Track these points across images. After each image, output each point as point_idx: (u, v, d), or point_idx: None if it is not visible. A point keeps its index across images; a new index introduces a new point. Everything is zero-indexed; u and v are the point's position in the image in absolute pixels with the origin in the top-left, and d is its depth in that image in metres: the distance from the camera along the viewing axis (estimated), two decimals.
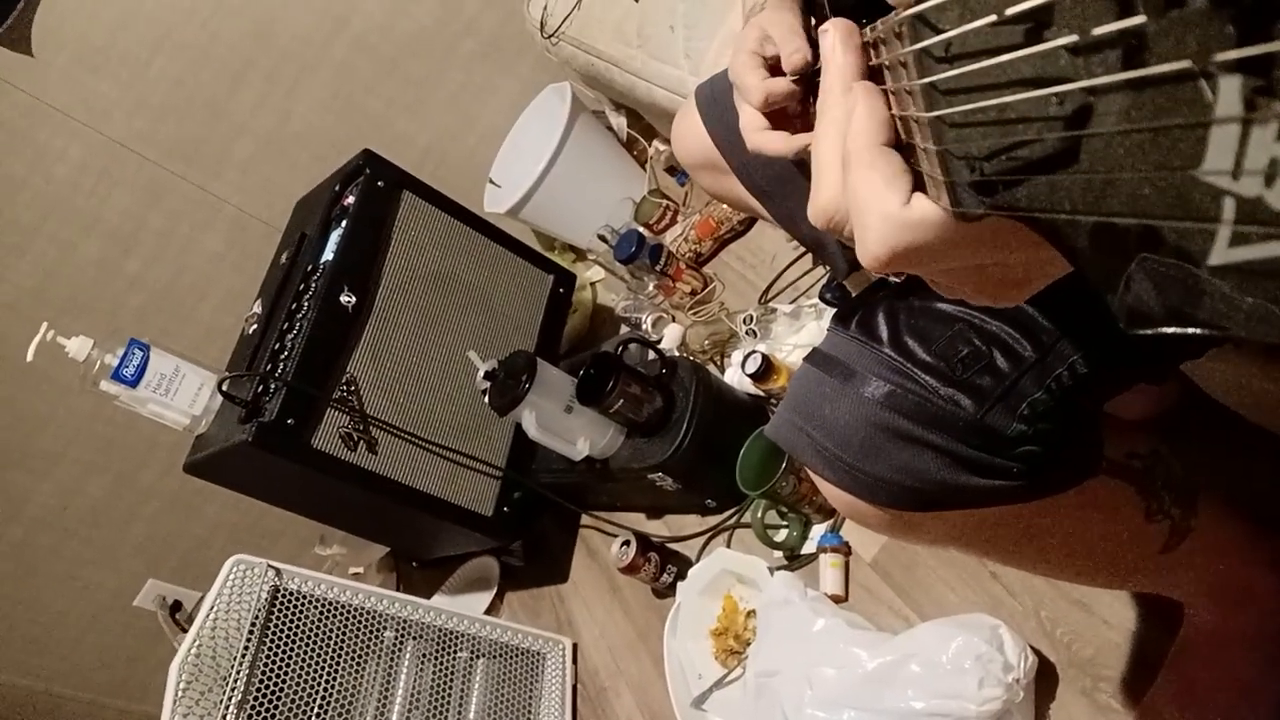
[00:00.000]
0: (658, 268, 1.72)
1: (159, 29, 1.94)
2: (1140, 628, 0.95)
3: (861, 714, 0.98)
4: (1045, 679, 0.99)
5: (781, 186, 0.93)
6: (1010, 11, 0.23)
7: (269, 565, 1.38)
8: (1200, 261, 0.21)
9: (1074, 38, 0.22)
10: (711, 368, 1.66)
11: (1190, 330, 0.22)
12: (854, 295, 1.44)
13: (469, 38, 2.22)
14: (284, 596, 1.38)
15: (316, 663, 1.38)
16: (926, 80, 0.29)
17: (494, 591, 1.88)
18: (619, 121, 2.17)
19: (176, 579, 2.48)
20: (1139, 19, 0.20)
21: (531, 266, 1.81)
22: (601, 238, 1.89)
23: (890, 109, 0.35)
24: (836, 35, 0.36)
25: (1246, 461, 0.87)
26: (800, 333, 1.51)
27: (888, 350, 0.57)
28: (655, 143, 2.11)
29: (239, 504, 2.28)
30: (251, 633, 1.31)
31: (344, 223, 1.53)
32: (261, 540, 2.50)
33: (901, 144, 0.34)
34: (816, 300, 1.51)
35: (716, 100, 0.97)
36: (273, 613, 1.35)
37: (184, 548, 2.45)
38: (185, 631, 2.50)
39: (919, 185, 0.33)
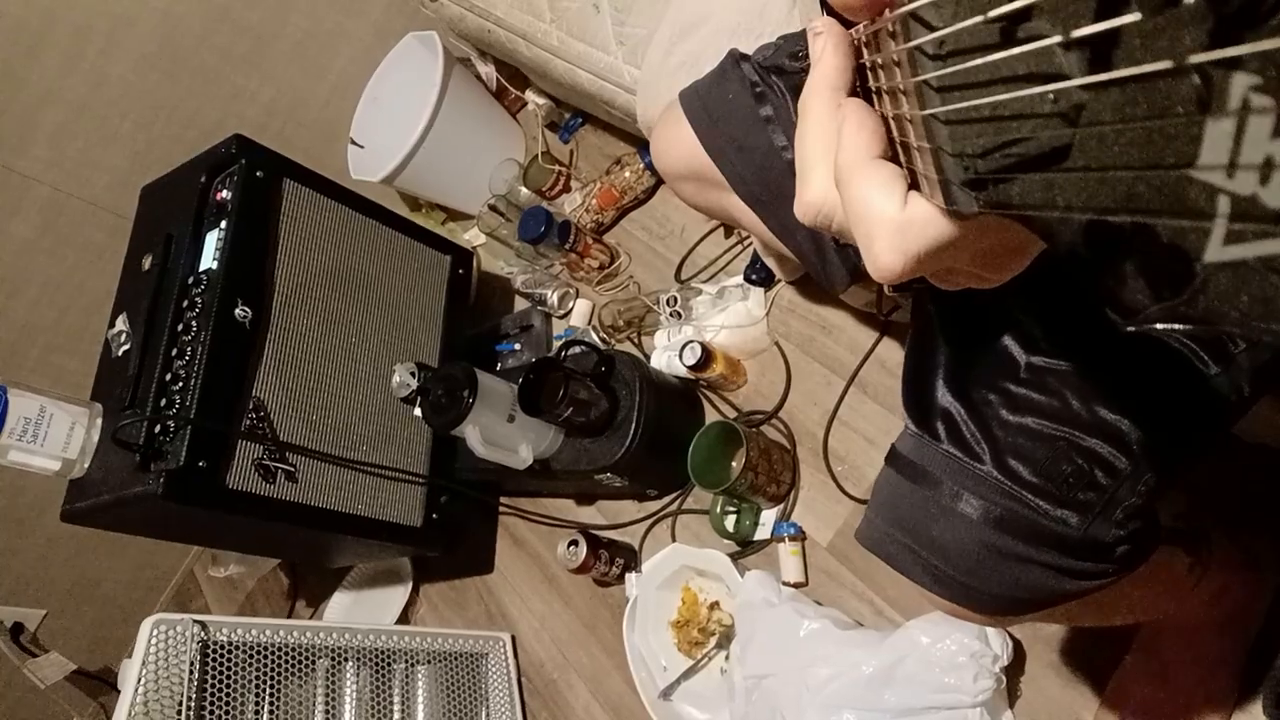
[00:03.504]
0: (566, 246, 1.64)
1: None
2: None
3: (864, 714, 1.04)
4: (1016, 657, 1.08)
5: (777, 194, 0.91)
6: (1003, 9, 0.23)
7: (192, 620, 1.25)
8: (1195, 258, 0.21)
9: (1066, 35, 0.22)
10: (630, 345, 1.64)
11: (1185, 327, 0.23)
12: (777, 279, 1.45)
13: None
14: (214, 650, 1.26)
15: (259, 709, 1.29)
16: (920, 78, 0.29)
17: (408, 587, 1.81)
18: (488, 70, 2.02)
19: (14, 600, 2.21)
20: (1133, 16, 0.20)
21: (426, 248, 1.68)
22: (494, 209, 1.77)
23: (882, 111, 0.35)
24: (829, 38, 0.36)
25: (1249, 487, 0.97)
26: (726, 313, 1.50)
27: (992, 470, 0.58)
28: (530, 94, 1.99)
29: None
30: (189, 695, 1.20)
31: (222, 223, 1.35)
32: (111, 547, 2.26)
33: (895, 143, 0.34)
34: (740, 279, 1.51)
35: (709, 109, 0.92)
36: (206, 669, 1.24)
37: (18, 565, 2.18)
38: (34, 655, 2.26)
39: (914, 185, 0.33)
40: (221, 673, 1.26)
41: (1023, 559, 0.56)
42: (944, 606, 0.62)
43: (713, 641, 1.32)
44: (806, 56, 0.38)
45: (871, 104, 0.35)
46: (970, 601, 0.59)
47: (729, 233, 1.61)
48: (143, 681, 1.18)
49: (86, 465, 1.31)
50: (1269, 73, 0.18)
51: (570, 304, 1.76)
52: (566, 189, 1.88)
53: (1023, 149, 0.25)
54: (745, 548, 1.36)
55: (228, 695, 1.25)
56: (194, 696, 1.20)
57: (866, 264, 0.34)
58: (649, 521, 1.50)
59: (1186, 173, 0.20)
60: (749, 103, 0.90)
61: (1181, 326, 0.23)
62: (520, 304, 1.92)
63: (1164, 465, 0.58)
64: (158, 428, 1.23)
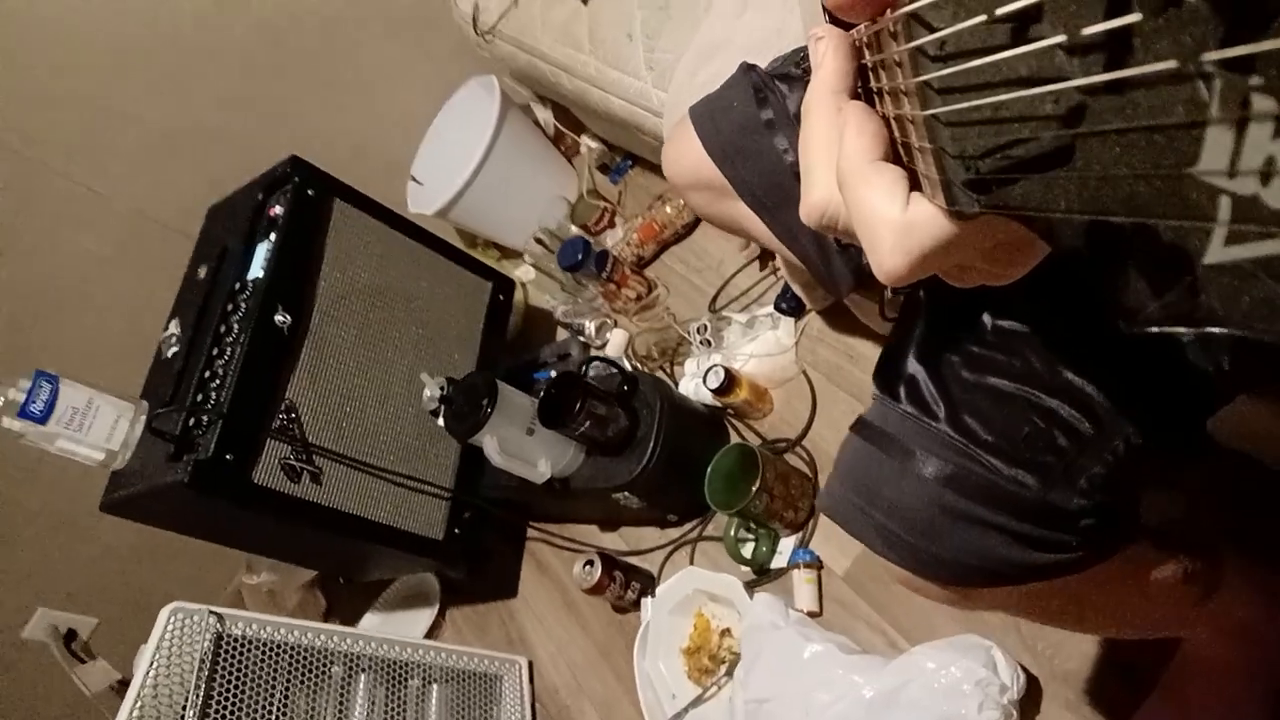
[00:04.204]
0: (603, 275, 1.67)
1: (38, 20, 1.74)
2: (1122, 641, 0.99)
3: None
4: (1029, 692, 1.02)
5: (782, 199, 0.92)
6: (1004, 10, 0.23)
7: (210, 611, 1.28)
8: (1196, 260, 0.21)
9: (1068, 36, 0.22)
10: (661, 374, 1.64)
11: (1186, 329, 0.22)
12: (809, 307, 1.45)
13: (381, 22, 2.09)
14: (228, 642, 1.29)
15: (267, 707, 1.30)
16: (921, 79, 0.29)
17: (435, 609, 1.82)
18: (546, 115, 2.11)
19: (69, 606, 2.29)
20: (1134, 16, 0.19)
21: (469, 274, 1.73)
22: (539, 241, 1.83)
23: (883, 112, 0.35)
24: (829, 42, 0.36)
25: (1256, 503, 0.92)
26: (755, 342, 1.50)
27: (947, 429, 0.56)
28: (585, 139, 2.06)
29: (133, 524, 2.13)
30: (198, 685, 1.22)
31: (272, 235, 1.42)
32: (164, 560, 2.34)
33: (897, 144, 0.34)
34: (771, 309, 1.51)
35: (714, 117, 0.95)
36: (218, 661, 1.26)
37: (76, 573, 2.27)
38: (83, 661, 2.33)
39: (916, 186, 0.33)
40: (233, 667, 1.27)
41: (976, 520, 0.54)
42: (900, 576, 0.60)
43: (723, 670, 1.28)
44: (808, 69, 0.39)
45: (874, 105, 0.36)
46: (923, 568, 0.57)
47: (763, 265, 1.61)
48: (154, 667, 1.21)
49: (128, 457, 1.37)
50: (1270, 73, 0.17)
51: (607, 334, 1.78)
52: (611, 225, 1.92)
53: (1024, 150, 0.25)
54: (762, 575, 1.33)
55: (237, 690, 1.26)
56: (202, 687, 1.22)
57: (872, 266, 0.34)
58: (669, 548, 1.48)
59: (1188, 174, 0.20)
60: (752, 109, 0.92)
61: (1182, 328, 0.23)
62: (562, 335, 1.95)
63: (1136, 438, 0.56)
64: (192, 420, 1.28)
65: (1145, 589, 0.66)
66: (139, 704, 1.17)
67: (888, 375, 0.62)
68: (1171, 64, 0.19)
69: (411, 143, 2.13)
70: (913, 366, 0.60)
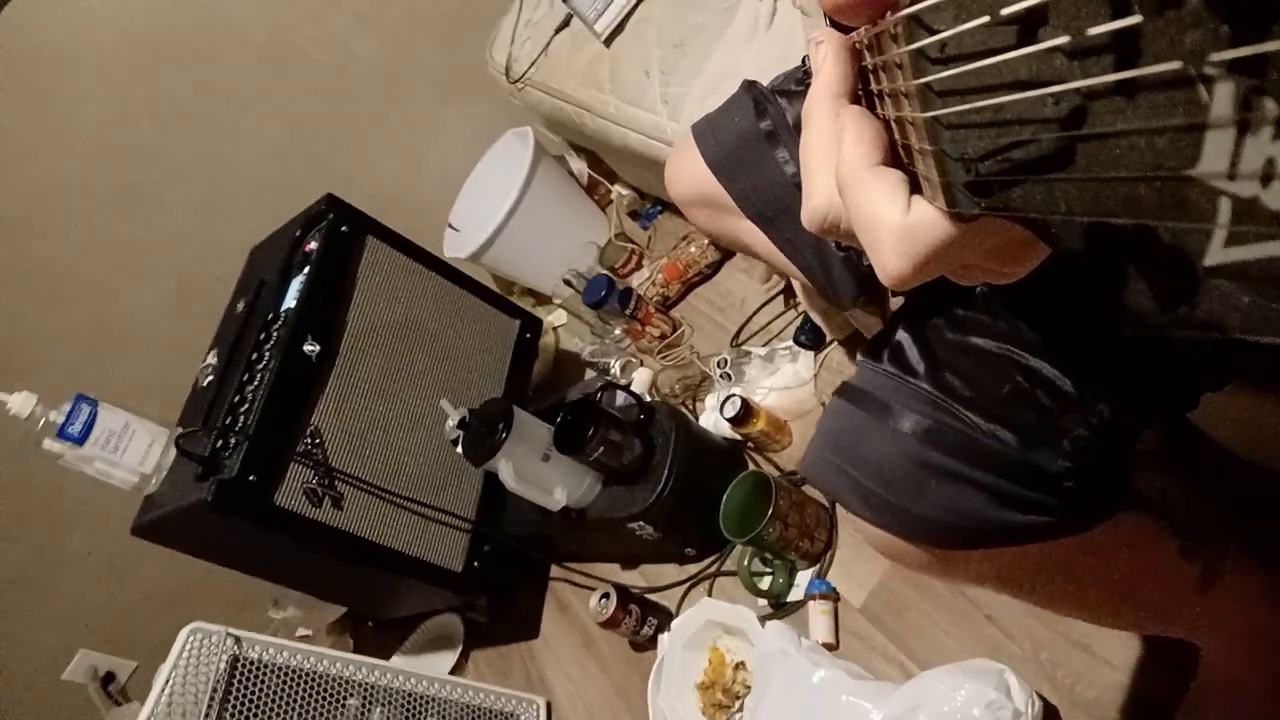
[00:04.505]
0: (627, 312, 1.70)
1: (89, 74, 1.87)
2: (1142, 668, 0.94)
3: None
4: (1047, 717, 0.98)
5: (782, 210, 0.93)
6: (1005, 11, 0.23)
7: (228, 633, 1.30)
8: (1197, 261, 0.21)
9: (1068, 38, 0.22)
10: (685, 411, 1.64)
11: (1188, 332, 0.22)
12: (829, 339, 1.45)
13: (425, 79, 2.20)
14: (244, 666, 1.30)
15: None
16: (921, 81, 0.29)
17: (458, 651, 1.81)
18: (580, 165, 2.17)
19: (109, 648, 2.33)
20: (1134, 19, 0.19)
21: (497, 312, 1.77)
22: (567, 282, 1.86)
23: (884, 114, 0.35)
24: (829, 46, 0.37)
25: (1259, 507, 0.88)
26: (775, 375, 1.50)
27: (926, 385, 0.56)
28: (617, 187, 2.11)
29: (177, 566, 2.16)
30: (210, 705, 1.23)
31: (306, 269, 1.48)
32: (203, 604, 2.36)
33: (897, 146, 0.34)
34: (790, 343, 1.51)
35: (714, 131, 0.97)
36: (232, 683, 1.27)
37: (118, 615, 2.30)
38: (119, 704, 2.35)
39: (916, 188, 0.33)
40: (247, 690, 1.28)
41: (954, 476, 0.53)
42: (877, 540, 0.58)
43: (737, 704, 1.25)
44: (808, 72, 0.40)
45: (875, 108, 0.36)
46: (900, 526, 0.56)
47: (786, 301, 1.62)
48: (170, 685, 1.22)
49: (160, 481, 1.41)
50: (1271, 75, 0.18)
51: (632, 373, 1.79)
52: (638, 267, 1.95)
53: (1024, 152, 0.25)
54: (779, 609, 1.30)
55: (250, 713, 1.27)
56: (215, 707, 1.23)
57: (876, 270, 0.35)
58: (687, 584, 1.46)
59: (1188, 176, 0.20)
60: (751, 121, 0.94)
61: (1182, 329, 0.23)
62: (590, 376, 1.97)
63: (1123, 404, 0.55)
64: (220, 443, 1.32)
65: (1140, 562, 0.63)
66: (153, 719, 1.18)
67: (876, 345, 0.62)
68: (1172, 66, 0.19)
69: (451, 192, 2.21)
70: (900, 335, 0.61)
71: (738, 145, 0.94)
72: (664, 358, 1.76)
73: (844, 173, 0.34)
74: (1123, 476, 0.60)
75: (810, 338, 1.48)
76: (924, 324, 0.59)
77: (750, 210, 0.95)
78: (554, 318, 2.18)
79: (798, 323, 1.53)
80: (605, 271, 1.93)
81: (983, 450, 0.53)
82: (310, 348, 1.42)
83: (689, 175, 0.99)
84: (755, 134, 0.93)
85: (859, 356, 0.63)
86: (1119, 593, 0.65)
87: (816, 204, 0.37)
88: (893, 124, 0.34)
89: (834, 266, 0.97)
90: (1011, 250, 0.34)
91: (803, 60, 0.93)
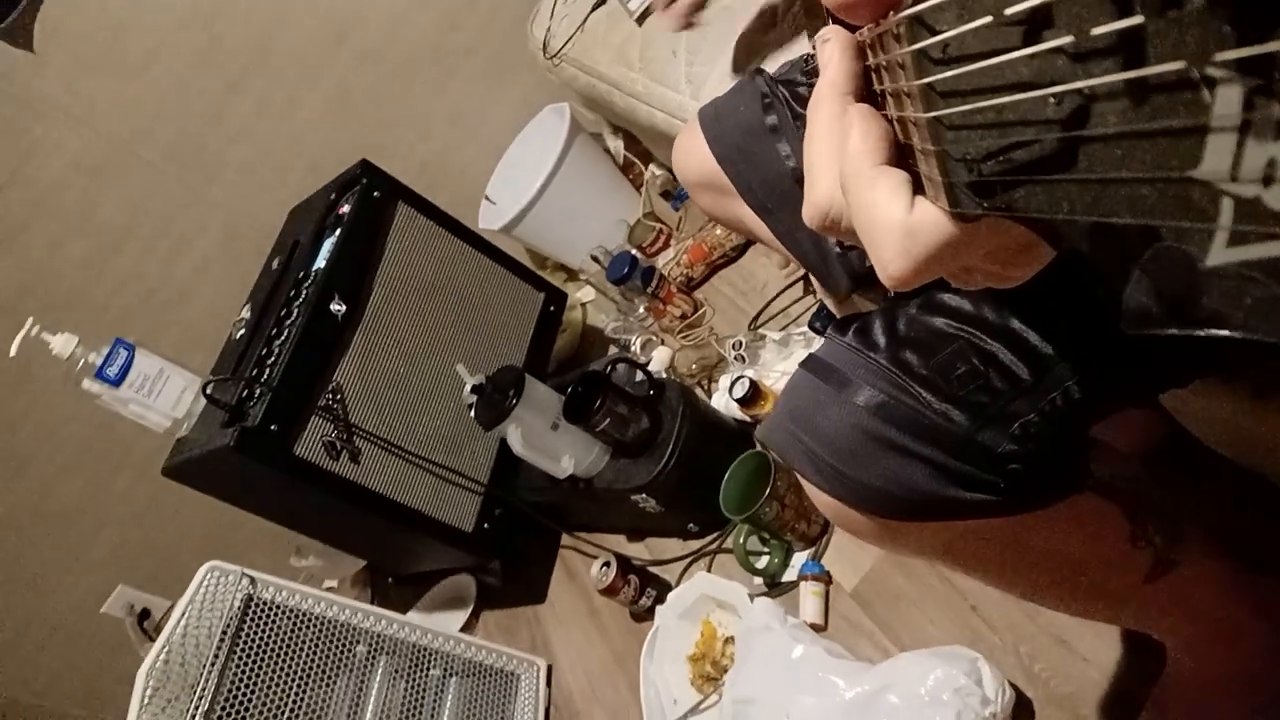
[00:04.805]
0: (649, 290, 1.72)
1: (160, 33, 1.95)
2: (1120, 666, 0.95)
3: None
4: (1023, 715, 0.98)
5: (783, 202, 0.94)
6: (1008, 12, 0.23)
7: (243, 573, 1.36)
8: (1199, 261, 0.21)
9: (1071, 39, 0.22)
10: (699, 391, 1.66)
11: (1190, 331, 0.22)
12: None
13: (470, 54, 2.23)
14: (257, 606, 1.36)
15: (287, 674, 1.35)
16: (924, 81, 0.29)
17: (469, 610, 1.86)
18: (616, 144, 2.19)
19: (146, 586, 2.44)
20: (1136, 19, 0.20)
21: (523, 284, 1.81)
22: (594, 258, 1.89)
23: (888, 111, 0.35)
24: (837, 43, 0.37)
25: (1234, 499, 0.88)
26: (789, 360, 1.52)
27: (883, 360, 0.57)
28: (651, 166, 2.13)
29: (213, 512, 2.25)
30: (222, 641, 1.29)
31: (338, 231, 1.53)
32: (235, 550, 2.45)
33: (900, 146, 0.34)
34: (805, 328, 1.52)
35: (720, 119, 0.98)
36: (245, 622, 1.33)
37: (155, 555, 2.41)
38: (152, 640, 2.45)
39: (919, 188, 0.33)
40: (259, 629, 1.34)
41: (901, 450, 0.54)
42: (827, 505, 0.60)
43: (725, 677, 1.27)
44: (814, 70, 0.40)
45: (878, 107, 0.36)
46: (846, 494, 0.57)
47: (806, 287, 1.63)
48: (185, 618, 1.28)
49: (191, 426, 1.48)
50: (1272, 76, 0.18)
51: (653, 351, 1.82)
52: (666, 246, 1.97)
53: (1026, 152, 0.25)
54: (773, 588, 1.32)
55: (260, 651, 1.32)
56: (226, 643, 1.29)
57: (876, 270, 0.35)
58: (688, 559, 1.49)
59: (1190, 176, 0.20)
60: (757, 114, 0.95)
61: (1184, 329, 0.23)
62: (612, 352, 2.00)
63: (1076, 393, 0.56)
64: (245, 392, 1.38)
65: (1087, 545, 0.64)
66: (166, 650, 1.25)
67: (846, 320, 0.64)
68: (1175, 67, 0.19)
69: (489, 164, 2.25)
70: (871, 312, 0.62)
71: (741, 135, 0.95)
72: (683, 337, 1.78)
73: (848, 171, 0.34)
74: (1076, 461, 0.61)
75: (825, 323, 1.48)
76: (895, 303, 0.61)
77: (751, 198, 0.97)
78: (583, 293, 2.21)
79: (814, 309, 1.53)
80: (632, 250, 1.95)
81: (931, 427, 0.54)
82: (337, 307, 1.47)
83: (694, 158, 1.01)
84: (760, 127, 0.94)
85: (828, 330, 0.64)
86: (1065, 574, 0.66)
87: (819, 201, 0.37)
88: (895, 124, 0.34)
89: (830, 260, 0.99)
90: (1013, 253, 0.34)
91: (805, 60, 0.94)
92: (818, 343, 1.50)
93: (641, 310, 1.81)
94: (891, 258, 0.33)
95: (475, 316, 1.70)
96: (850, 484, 0.56)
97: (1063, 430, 0.56)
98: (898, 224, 0.32)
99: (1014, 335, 0.56)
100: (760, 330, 1.61)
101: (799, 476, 0.61)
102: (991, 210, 0.28)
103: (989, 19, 0.24)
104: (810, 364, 0.63)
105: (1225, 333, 0.21)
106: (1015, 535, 0.61)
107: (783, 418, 0.62)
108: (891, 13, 0.31)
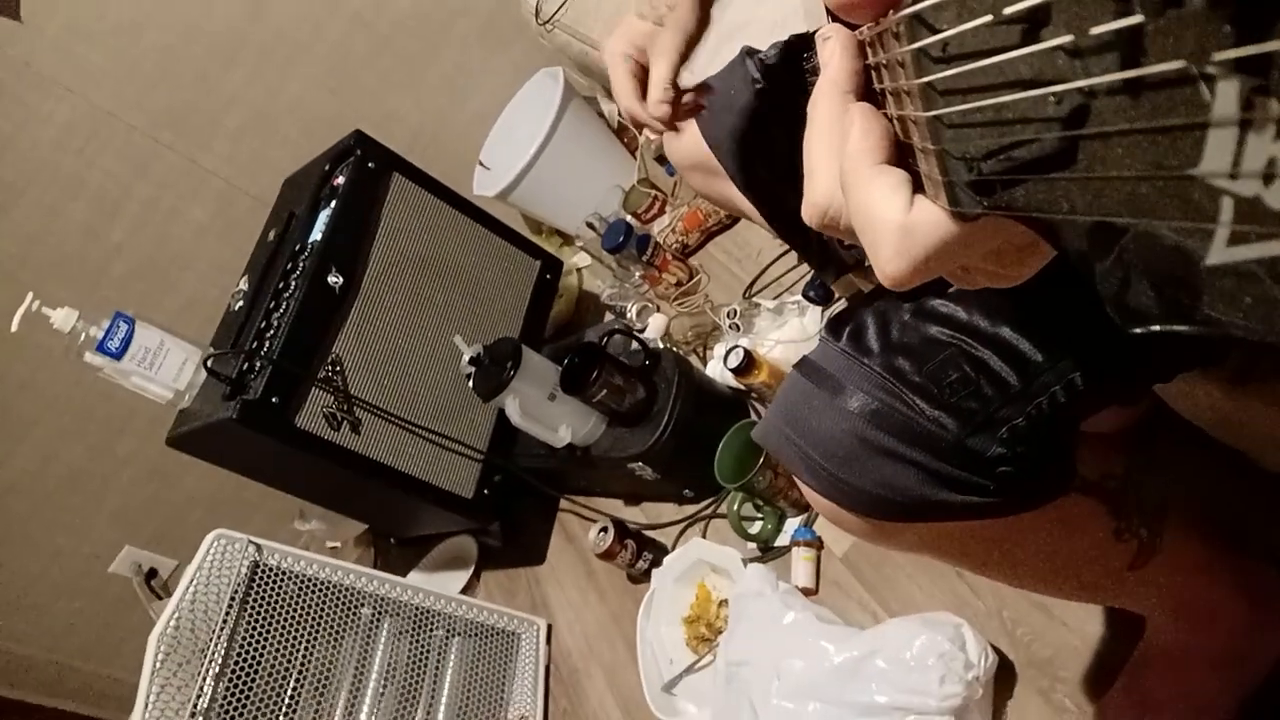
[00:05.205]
0: (644, 258, 1.73)
1: (151, 2, 1.93)
2: (1099, 632, 0.98)
3: (826, 706, 1.02)
4: (1004, 677, 1.02)
5: (772, 186, 0.95)
6: (1007, 11, 0.23)
7: (249, 541, 1.39)
8: (1199, 260, 0.21)
9: (1071, 37, 0.22)
10: (694, 359, 1.69)
11: (1188, 329, 0.23)
12: (837, 295, 1.47)
13: (463, 19, 2.21)
14: (263, 571, 1.39)
15: (294, 637, 1.40)
16: (924, 80, 0.29)
17: (470, 571, 1.91)
18: (610, 109, 2.18)
19: (153, 546, 2.49)
20: (1136, 18, 0.20)
21: (519, 252, 1.82)
22: (590, 225, 1.89)
23: (887, 110, 0.35)
24: (838, 42, 0.37)
25: (1216, 479, 0.91)
26: (783, 328, 1.53)
27: (877, 367, 0.59)
28: (646, 131, 2.12)
29: (217, 475, 2.29)
30: (230, 606, 1.33)
31: (333, 203, 1.54)
32: (239, 512, 2.51)
33: (900, 145, 0.34)
34: (799, 297, 1.54)
35: (710, 101, 0.98)
36: (252, 587, 1.37)
37: (161, 516, 2.45)
38: (160, 598, 2.51)
39: (919, 187, 0.33)
40: (266, 594, 1.38)
41: (893, 455, 0.56)
42: (820, 505, 0.62)
43: (719, 638, 1.31)
44: (814, 68, 0.40)
45: (879, 105, 0.36)
46: (840, 496, 0.59)
47: (802, 260, 1.64)
48: (194, 584, 1.32)
49: (192, 397, 1.50)
50: (1272, 75, 0.18)
51: (648, 318, 1.83)
52: (661, 213, 1.97)
53: (1026, 151, 0.25)
54: (766, 553, 1.36)
55: (267, 616, 1.36)
56: (235, 609, 1.33)
57: (874, 269, 0.35)
58: (684, 524, 1.52)
59: (1190, 175, 0.20)
60: (747, 99, 0.95)
61: (1185, 328, 0.23)
62: (609, 319, 2.02)
63: (1064, 398, 0.57)
64: (246, 365, 1.40)
65: (1073, 541, 0.67)
66: (176, 616, 1.28)
67: (839, 322, 0.65)
68: (1175, 65, 0.19)
69: (483, 130, 2.24)
70: (863, 315, 0.64)
71: (732, 118, 0.96)
72: (679, 304, 1.79)
73: (848, 169, 0.34)
74: (1064, 464, 0.63)
75: (819, 294, 1.50)
76: (888, 307, 0.62)
77: (739, 182, 0.97)
78: (578, 259, 2.22)
79: (808, 278, 1.55)
80: (628, 216, 1.96)
81: (923, 433, 0.55)
82: (334, 279, 1.48)
83: (683, 138, 1.01)
84: (749, 112, 0.94)
85: (821, 332, 0.66)
86: (1050, 567, 0.68)
87: (818, 200, 0.37)
88: (895, 122, 0.34)
89: (822, 245, 1.00)
90: (1012, 253, 0.34)
91: (805, 58, 0.94)
92: (812, 311, 1.51)
93: (637, 277, 1.83)
94: (890, 257, 0.33)
95: (472, 285, 1.71)
96: (843, 487, 0.58)
97: (1050, 433, 0.58)
98: (896, 223, 0.32)
99: (1004, 343, 0.57)
100: (755, 299, 1.62)
101: (794, 477, 0.63)
102: (991, 209, 0.28)
103: (988, 18, 0.24)
104: (804, 367, 0.64)
105: (1225, 332, 0.21)
106: (1003, 534, 0.63)
107: (777, 420, 0.63)
108: (891, 11, 0.31)
